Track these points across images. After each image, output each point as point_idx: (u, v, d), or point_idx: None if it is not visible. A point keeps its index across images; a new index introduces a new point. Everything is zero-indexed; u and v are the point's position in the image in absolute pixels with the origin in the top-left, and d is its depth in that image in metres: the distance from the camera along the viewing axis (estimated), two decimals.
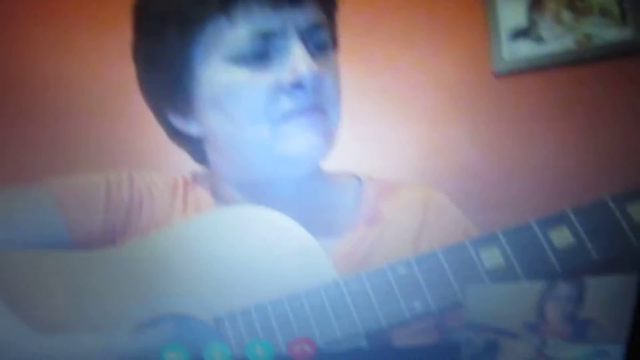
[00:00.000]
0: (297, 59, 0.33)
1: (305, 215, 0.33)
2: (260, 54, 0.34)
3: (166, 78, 0.36)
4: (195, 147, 0.39)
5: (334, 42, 0.38)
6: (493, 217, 0.32)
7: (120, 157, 0.34)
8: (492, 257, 0.32)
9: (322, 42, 0.36)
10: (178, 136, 0.39)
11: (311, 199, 0.33)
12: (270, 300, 0.33)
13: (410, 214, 0.33)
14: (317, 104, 0.35)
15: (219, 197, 0.35)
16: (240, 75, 0.34)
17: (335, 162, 0.35)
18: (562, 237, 0.32)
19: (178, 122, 0.38)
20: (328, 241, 0.33)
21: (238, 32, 0.34)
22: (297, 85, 0.34)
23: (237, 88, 0.34)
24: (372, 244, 0.33)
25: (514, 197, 0.31)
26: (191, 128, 0.37)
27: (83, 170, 0.36)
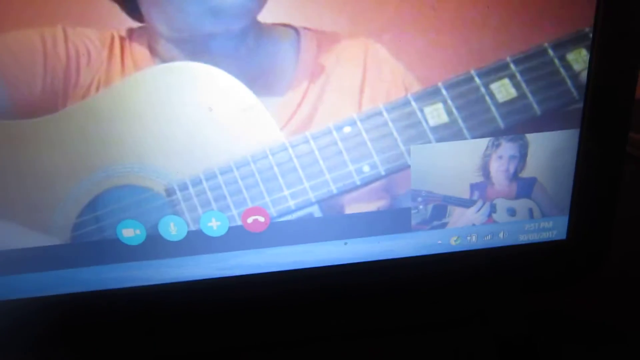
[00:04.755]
0: None
1: (245, 72, 0.33)
2: None
3: None
4: None
5: None
6: (435, 70, 0.32)
7: (50, 11, 0.32)
8: (435, 113, 0.33)
9: None
10: None
11: (250, 55, 0.33)
12: (218, 167, 0.33)
13: (351, 66, 0.33)
14: None
15: (156, 54, 0.34)
16: None
17: (271, 13, 0.34)
18: (503, 89, 0.32)
19: None
20: (270, 100, 0.33)
21: None
22: None
23: None
24: (315, 101, 0.33)
25: (454, 49, 0.31)
26: None
27: (12, 27, 0.34)
